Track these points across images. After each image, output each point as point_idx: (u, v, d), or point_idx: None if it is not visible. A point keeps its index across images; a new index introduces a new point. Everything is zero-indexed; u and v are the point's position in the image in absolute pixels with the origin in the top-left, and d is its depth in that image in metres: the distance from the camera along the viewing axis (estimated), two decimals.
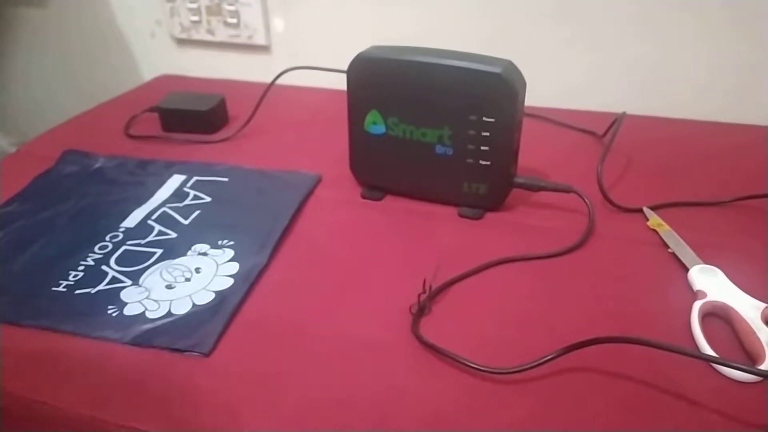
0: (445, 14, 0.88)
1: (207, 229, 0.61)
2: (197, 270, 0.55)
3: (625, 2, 0.81)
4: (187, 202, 0.65)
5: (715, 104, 0.83)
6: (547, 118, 0.83)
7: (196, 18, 0.99)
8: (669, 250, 0.56)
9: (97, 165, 0.73)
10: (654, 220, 0.60)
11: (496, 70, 0.56)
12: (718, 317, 0.49)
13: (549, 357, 0.43)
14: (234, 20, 0.97)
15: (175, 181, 0.69)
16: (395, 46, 0.61)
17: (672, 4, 0.80)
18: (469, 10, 0.87)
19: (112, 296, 0.52)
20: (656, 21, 0.81)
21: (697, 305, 0.48)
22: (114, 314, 0.50)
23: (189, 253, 0.57)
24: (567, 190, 0.61)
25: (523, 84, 0.58)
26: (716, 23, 0.79)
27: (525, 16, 0.85)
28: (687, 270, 0.53)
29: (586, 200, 0.60)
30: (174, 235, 0.60)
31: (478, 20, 0.87)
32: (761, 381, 0.42)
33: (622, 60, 0.85)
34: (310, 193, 0.67)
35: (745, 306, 0.48)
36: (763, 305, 0.48)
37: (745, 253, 0.55)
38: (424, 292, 0.50)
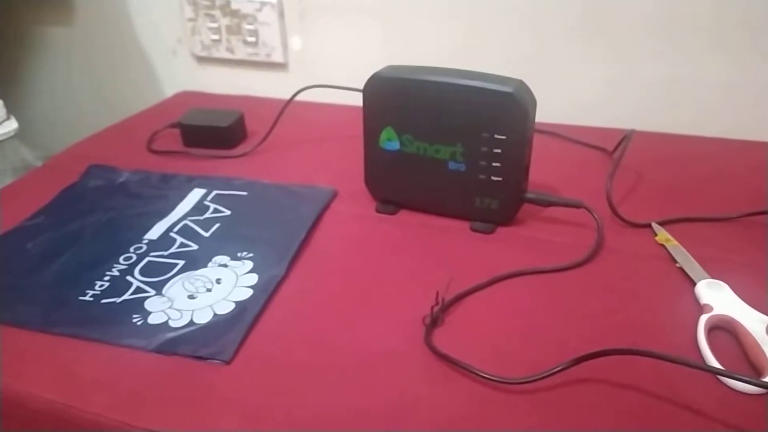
0: (459, 34, 0.90)
1: (227, 241, 0.63)
2: (218, 281, 0.57)
3: (644, 20, 0.82)
4: (207, 215, 0.68)
5: (728, 122, 0.83)
6: (558, 134, 0.84)
7: (216, 37, 1.02)
8: (676, 265, 0.57)
9: (122, 179, 0.75)
10: (662, 235, 0.61)
11: (508, 89, 0.57)
12: (724, 330, 0.49)
13: (559, 368, 0.45)
14: (253, 39, 1.00)
15: (195, 194, 0.72)
16: (409, 66, 0.63)
17: (690, 23, 0.81)
18: (484, 30, 0.89)
19: (137, 306, 0.54)
20: (674, 39, 0.82)
21: (703, 318, 0.49)
22: (139, 323, 0.52)
23: (210, 264, 0.59)
24: (576, 206, 0.62)
25: (534, 103, 0.60)
26: (733, 42, 0.80)
27: (539, 34, 0.87)
28: (694, 284, 0.54)
29: (595, 215, 0.61)
30: (195, 247, 0.62)
31: (492, 39, 0.89)
32: (765, 393, 0.43)
33: (640, 77, 0.85)
34: (326, 207, 0.69)
35: (751, 320, 0.49)
36: None
37: (751, 268, 0.56)
38: (437, 303, 0.52)
